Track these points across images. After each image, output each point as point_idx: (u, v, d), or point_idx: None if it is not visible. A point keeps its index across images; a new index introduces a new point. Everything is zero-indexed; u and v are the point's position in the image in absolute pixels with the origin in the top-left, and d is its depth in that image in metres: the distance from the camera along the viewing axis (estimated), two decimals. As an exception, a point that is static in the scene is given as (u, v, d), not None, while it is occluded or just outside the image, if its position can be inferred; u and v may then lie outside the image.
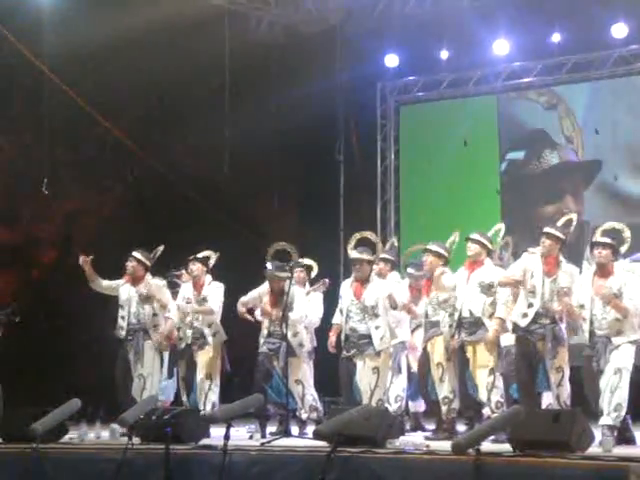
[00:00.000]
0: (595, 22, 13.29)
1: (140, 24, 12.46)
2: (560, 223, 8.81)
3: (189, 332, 9.62)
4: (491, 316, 8.76)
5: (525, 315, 8.44)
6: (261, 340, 9.52)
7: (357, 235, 9.59)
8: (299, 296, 9.53)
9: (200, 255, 9.80)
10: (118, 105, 13.52)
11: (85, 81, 13.11)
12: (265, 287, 9.61)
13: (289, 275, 9.34)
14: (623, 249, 8.27)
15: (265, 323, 9.54)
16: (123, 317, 9.77)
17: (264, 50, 14.30)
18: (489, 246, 8.91)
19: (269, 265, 9.50)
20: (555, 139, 14.27)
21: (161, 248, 9.92)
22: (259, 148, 14.16)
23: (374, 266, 9.50)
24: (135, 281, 9.82)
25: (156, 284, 9.83)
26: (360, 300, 9.20)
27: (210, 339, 9.59)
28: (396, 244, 11.33)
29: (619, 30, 13.27)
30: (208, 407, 9.40)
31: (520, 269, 8.54)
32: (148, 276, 9.85)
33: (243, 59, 13.66)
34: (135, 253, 9.87)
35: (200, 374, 9.57)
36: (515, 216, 14.06)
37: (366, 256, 9.31)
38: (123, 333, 9.75)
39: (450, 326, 8.99)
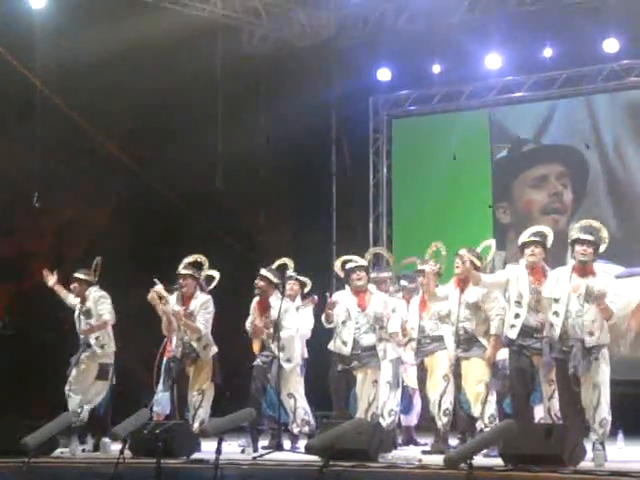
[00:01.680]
0: (586, 37, 13.33)
1: (132, 38, 12.46)
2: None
3: (179, 346, 9.59)
4: (485, 333, 8.75)
5: (513, 326, 8.43)
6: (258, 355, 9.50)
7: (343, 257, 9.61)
8: (290, 311, 9.51)
9: (203, 274, 9.77)
10: (110, 119, 13.51)
11: (77, 95, 13.09)
12: (254, 302, 9.59)
13: (280, 282, 9.33)
14: (601, 249, 8.22)
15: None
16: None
17: (256, 64, 14.31)
18: (477, 263, 8.88)
19: (262, 269, 9.50)
20: (547, 152, 14.32)
21: (99, 259, 9.97)
22: (251, 162, 14.17)
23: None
24: (81, 298, 9.93)
25: (100, 295, 9.88)
26: (366, 311, 9.22)
27: (201, 353, 9.55)
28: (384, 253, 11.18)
29: (610, 45, 13.31)
30: (196, 424, 9.28)
31: (504, 277, 8.55)
32: (92, 288, 9.92)
33: (235, 73, 13.68)
34: (76, 274, 9.95)
35: (192, 389, 9.52)
36: (507, 230, 14.10)
37: (363, 262, 9.45)
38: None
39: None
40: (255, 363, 9.47)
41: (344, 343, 9.28)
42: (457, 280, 8.93)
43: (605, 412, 7.85)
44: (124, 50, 12.51)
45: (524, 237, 8.57)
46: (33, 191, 12.59)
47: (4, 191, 13.51)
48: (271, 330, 9.29)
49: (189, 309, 9.58)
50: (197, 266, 9.80)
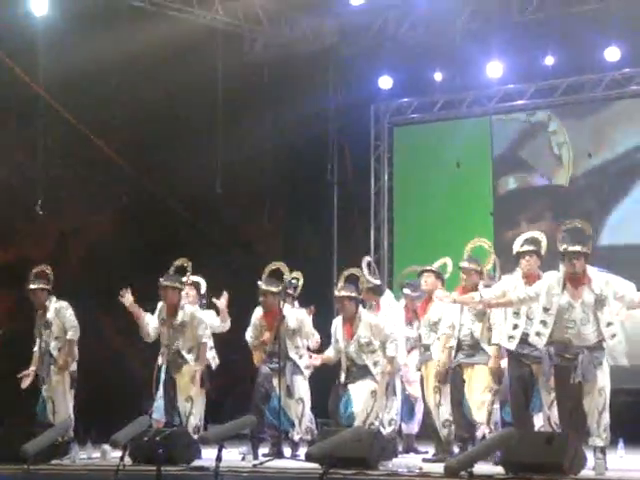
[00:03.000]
0: (588, 45, 13.35)
1: (134, 45, 12.48)
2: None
3: (164, 354, 9.54)
4: (489, 340, 8.74)
5: (511, 337, 8.41)
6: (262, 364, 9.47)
7: (345, 273, 9.53)
8: (306, 318, 9.51)
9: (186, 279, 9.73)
10: (112, 125, 13.53)
11: (79, 102, 13.10)
12: (257, 313, 9.58)
13: (280, 289, 9.33)
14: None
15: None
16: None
17: (258, 71, 14.32)
18: (480, 269, 8.89)
19: (260, 282, 9.49)
20: (545, 161, 14.33)
21: (42, 267, 9.95)
22: (252, 168, 14.18)
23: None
24: (41, 309, 9.96)
25: (61, 306, 9.93)
26: (353, 339, 9.19)
27: (192, 363, 9.47)
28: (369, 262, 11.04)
29: (612, 53, 13.33)
30: (190, 431, 9.16)
31: (500, 290, 8.54)
32: (52, 299, 9.94)
33: (237, 79, 13.69)
34: (32, 285, 9.94)
35: (180, 397, 9.45)
36: (508, 238, 14.08)
37: (347, 293, 9.24)
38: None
39: (443, 351, 8.99)
40: (261, 371, 9.44)
41: (342, 370, 9.27)
42: (462, 289, 8.91)
43: (608, 417, 7.86)
44: (126, 57, 12.53)
45: (518, 246, 8.55)
46: (35, 198, 12.61)
47: (6, 198, 13.52)
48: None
49: (177, 321, 9.50)
50: (183, 271, 9.75)
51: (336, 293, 9.33)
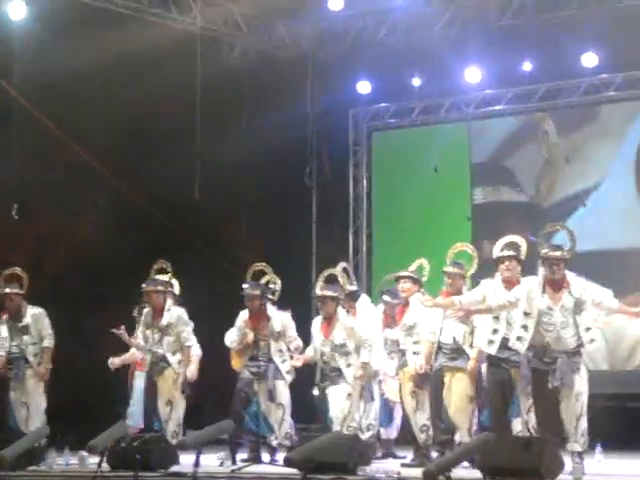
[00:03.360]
0: (566, 51, 13.40)
1: (111, 50, 12.44)
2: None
3: (148, 358, 9.53)
4: (471, 345, 8.75)
5: (491, 342, 8.43)
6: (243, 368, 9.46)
7: (324, 273, 9.52)
8: (291, 322, 9.51)
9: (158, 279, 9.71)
10: (89, 130, 13.47)
11: (56, 106, 13.04)
12: (243, 316, 9.56)
13: (263, 292, 9.35)
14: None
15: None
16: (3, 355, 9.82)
17: (236, 76, 14.30)
18: (464, 273, 8.90)
19: (245, 285, 9.49)
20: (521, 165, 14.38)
21: (14, 270, 9.90)
22: (231, 174, 14.15)
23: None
24: (15, 314, 9.84)
25: (39, 312, 9.87)
26: (329, 339, 9.18)
27: (175, 366, 9.47)
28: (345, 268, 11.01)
29: (589, 59, 13.39)
30: (168, 436, 9.15)
31: (480, 294, 8.54)
32: (26, 304, 9.89)
33: (215, 85, 13.66)
34: (7, 290, 9.84)
35: (160, 401, 9.42)
36: (486, 243, 14.11)
37: (329, 292, 9.24)
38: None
39: (415, 353, 8.99)
40: (242, 375, 9.42)
41: (317, 369, 9.30)
42: (446, 293, 8.89)
43: (585, 422, 7.87)
44: (103, 63, 12.50)
45: (497, 251, 8.57)
46: (11, 203, 12.53)
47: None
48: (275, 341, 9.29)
49: (162, 322, 9.48)
50: (163, 272, 9.73)
51: (318, 292, 9.30)
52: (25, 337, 9.78)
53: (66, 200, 13.70)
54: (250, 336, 9.39)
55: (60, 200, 13.67)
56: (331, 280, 9.48)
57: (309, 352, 9.51)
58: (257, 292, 9.42)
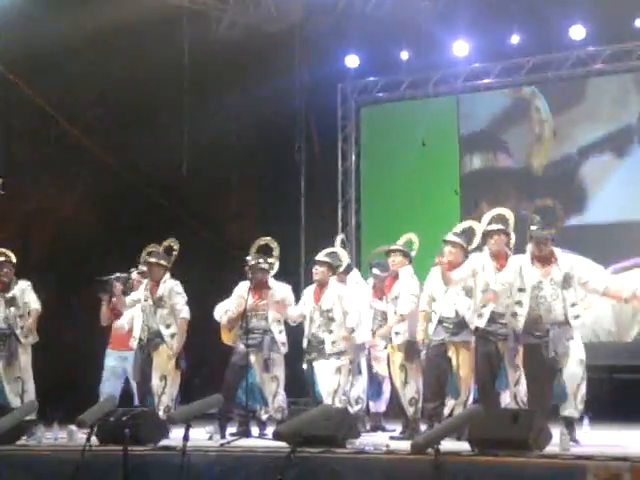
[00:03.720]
0: (553, 24, 13.40)
1: (99, 24, 12.37)
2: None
3: (144, 331, 9.52)
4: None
5: (480, 315, 8.45)
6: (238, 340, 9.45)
7: (326, 250, 9.66)
8: (291, 296, 9.56)
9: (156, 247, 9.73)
10: (77, 105, 13.43)
11: (43, 80, 12.99)
12: (243, 286, 9.54)
13: (270, 266, 9.47)
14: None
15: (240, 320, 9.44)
16: None
17: (224, 49, 14.23)
18: (465, 246, 8.89)
19: (250, 257, 9.52)
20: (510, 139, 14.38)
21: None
22: (219, 148, 14.11)
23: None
24: (3, 286, 9.83)
25: (26, 285, 9.89)
26: (318, 304, 9.28)
27: (168, 339, 9.49)
28: (343, 240, 11.09)
29: (577, 32, 13.39)
30: (160, 411, 9.15)
31: (469, 269, 8.55)
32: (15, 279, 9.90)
33: (203, 59, 13.62)
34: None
35: (154, 376, 9.42)
36: (475, 216, 14.10)
37: (328, 259, 9.48)
38: None
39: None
40: (237, 349, 9.41)
41: (305, 337, 9.39)
42: (448, 265, 8.83)
43: (584, 390, 7.98)
44: (90, 36, 12.44)
45: (485, 224, 8.58)
46: (-2, 178, 12.50)
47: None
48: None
49: (157, 294, 9.51)
50: (168, 251, 9.74)
51: (318, 257, 9.50)
52: (13, 309, 9.75)
53: (53, 176, 13.67)
54: (241, 306, 9.39)
55: (48, 175, 13.64)
56: (330, 253, 9.70)
57: (298, 317, 9.52)
58: (265, 265, 9.49)
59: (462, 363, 8.70)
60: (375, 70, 15.10)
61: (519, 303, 8.12)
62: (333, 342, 9.22)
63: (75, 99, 13.27)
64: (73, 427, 8.34)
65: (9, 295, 9.80)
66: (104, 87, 13.05)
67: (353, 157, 15.43)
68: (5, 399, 9.54)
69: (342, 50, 14.77)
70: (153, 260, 9.58)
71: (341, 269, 9.83)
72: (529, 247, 8.24)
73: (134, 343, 9.55)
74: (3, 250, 10.01)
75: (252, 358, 9.34)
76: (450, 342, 8.75)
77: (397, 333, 9.22)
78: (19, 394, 9.58)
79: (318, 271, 9.43)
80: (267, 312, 9.47)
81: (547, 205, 8.52)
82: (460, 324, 8.73)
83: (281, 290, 9.58)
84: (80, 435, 8.23)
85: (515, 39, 13.79)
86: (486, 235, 8.57)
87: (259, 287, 9.47)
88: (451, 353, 8.76)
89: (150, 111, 13.69)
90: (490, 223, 8.62)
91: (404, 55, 14.55)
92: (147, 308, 9.51)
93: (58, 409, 9.84)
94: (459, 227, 9.17)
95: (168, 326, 9.47)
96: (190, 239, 13.60)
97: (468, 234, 9.05)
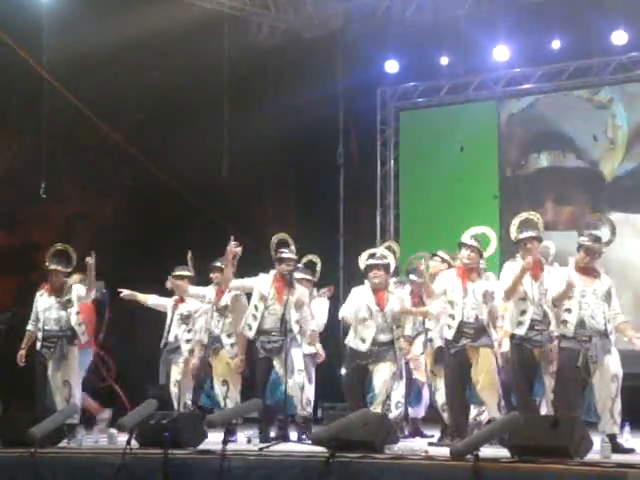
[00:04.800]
0: (595, 29, 13.31)
1: (140, 29, 12.46)
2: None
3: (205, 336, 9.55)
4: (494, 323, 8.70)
5: (520, 323, 8.37)
6: (257, 343, 9.35)
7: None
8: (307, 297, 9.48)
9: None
10: (118, 109, 13.52)
11: (84, 85, 13.10)
12: (265, 278, 9.44)
13: (296, 260, 9.39)
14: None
15: (255, 320, 9.32)
16: (40, 329, 9.72)
17: (264, 55, 14.30)
18: (480, 249, 8.81)
19: (284, 250, 9.46)
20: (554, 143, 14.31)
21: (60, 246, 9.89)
22: (258, 153, 14.16)
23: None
24: (55, 290, 9.79)
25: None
26: (385, 310, 9.16)
27: (228, 347, 9.49)
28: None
29: (619, 37, 13.30)
30: None
31: (509, 277, 8.48)
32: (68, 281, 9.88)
33: (243, 64, 13.68)
34: (53, 266, 9.78)
35: (217, 380, 9.50)
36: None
37: (385, 262, 9.32)
38: (39, 345, 9.70)
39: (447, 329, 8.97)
40: (260, 354, 9.37)
41: (362, 340, 9.17)
42: (462, 270, 8.82)
43: (620, 404, 7.96)
44: (131, 42, 12.52)
45: (516, 232, 8.45)
46: (40, 182, 12.59)
47: (10, 182, 13.52)
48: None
49: (221, 303, 9.55)
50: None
51: (374, 261, 9.28)
52: (68, 311, 9.76)
53: (95, 179, 13.78)
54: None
55: (89, 179, 13.75)
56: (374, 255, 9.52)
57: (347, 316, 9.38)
58: (295, 257, 9.40)
59: (481, 368, 8.63)
60: (415, 75, 15.09)
61: (568, 310, 8.13)
62: (400, 348, 9.18)
63: (116, 104, 13.36)
64: (113, 430, 8.39)
65: (66, 298, 9.82)
66: (145, 92, 13.12)
67: (392, 162, 15.42)
68: (53, 403, 9.52)
69: (382, 55, 14.77)
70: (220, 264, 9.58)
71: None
72: (576, 255, 8.25)
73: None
74: (60, 248, 9.98)
75: (275, 362, 9.23)
76: (471, 348, 8.68)
77: (431, 339, 9.21)
78: (66, 398, 9.54)
79: (378, 274, 9.22)
80: (288, 314, 9.22)
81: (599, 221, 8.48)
82: (480, 329, 8.66)
83: (302, 292, 9.38)
84: (120, 438, 8.28)
85: (556, 44, 13.72)
86: (519, 243, 8.48)
87: (284, 284, 9.29)
88: (472, 360, 8.68)
89: (190, 116, 13.76)
90: (522, 232, 8.52)
91: (444, 60, 14.53)
92: (210, 315, 9.53)
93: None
94: (472, 231, 8.91)
95: (229, 335, 9.52)
96: (227, 243, 13.68)
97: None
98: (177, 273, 9.97)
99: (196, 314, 9.84)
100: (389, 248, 10.08)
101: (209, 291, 9.72)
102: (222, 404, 9.37)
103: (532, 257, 8.29)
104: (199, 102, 13.77)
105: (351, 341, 9.32)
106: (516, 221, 8.54)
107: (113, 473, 7.01)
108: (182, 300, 9.99)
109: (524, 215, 8.60)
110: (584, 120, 14.11)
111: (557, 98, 14.39)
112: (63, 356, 9.62)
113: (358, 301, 9.27)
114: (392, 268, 9.56)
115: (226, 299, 9.54)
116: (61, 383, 9.60)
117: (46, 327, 9.69)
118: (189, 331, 9.86)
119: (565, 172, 14.30)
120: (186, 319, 9.93)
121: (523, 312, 8.35)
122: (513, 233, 8.50)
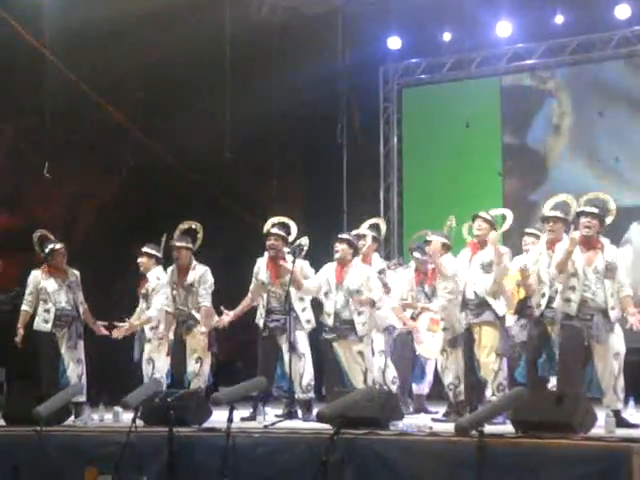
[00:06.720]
0: (598, 3, 13.27)
1: (141, 7, 12.41)
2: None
3: (176, 317, 9.52)
4: (496, 294, 8.68)
5: (568, 300, 8.14)
6: (260, 321, 9.32)
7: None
8: (308, 268, 9.35)
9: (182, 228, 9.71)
10: (119, 88, 13.49)
11: (86, 64, 13.07)
12: (261, 262, 9.40)
13: (286, 234, 9.26)
14: (608, 220, 8.14)
15: (262, 300, 9.32)
16: (48, 310, 9.72)
17: (266, 32, 14.24)
18: (495, 225, 8.83)
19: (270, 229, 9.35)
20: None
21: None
22: (261, 131, 14.13)
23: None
24: (56, 271, 9.80)
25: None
26: (342, 284, 9.02)
27: (201, 322, 9.44)
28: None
29: (622, 11, 13.25)
30: None
31: (534, 257, 8.47)
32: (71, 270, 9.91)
33: (245, 41, 13.62)
34: (59, 245, 9.83)
35: (190, 358, 9.46)
36: (517, 198, 14.06)
37: (345, 236, 9.25)
38: (49, 326, 9.70)
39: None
40: (263, 333, 9.33)
41: (327, 315, 9.06)
42: (473, 243, 8.81)
43: (622, 381, 7.91)
44: (133, 20, 12.47)
45: (547, 210, 8.44)
46: (43, 161, 12.58)
47: (14, 162, 13.51)
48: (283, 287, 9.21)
49: (187, 281, 9.50)
50: (192, 234, 9.71)
51: (357, 231, 9.39)
52: (75, 295, 9.81)
53: (97, 158, 13.76)
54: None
55: (91, 158, 13.73)
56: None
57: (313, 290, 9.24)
58: (282, 233, 9.25)
59: (485, 344, 8.64)
60: (417, 52, 15.04)
61: (572, 288, 8.01)
62: (363, 324, 8.98)
63: (118, 82, 13.33)
64: (118, 408, 8.40)
65: (73, 279, 9.84)
66: (146, 70, 13.08)
67: (395, 139, 15.39)
68: (67, 380, 9.59)
69: (384, 32, 14.70)
70: (181, 244, 9.48)
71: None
72: (571, 232, 8.07)
73: None
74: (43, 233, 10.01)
75: (279, 340, 9.17)
76: (474, 324, 8.69)
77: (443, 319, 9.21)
78: (79, 376, 9.67)
79: (339, 248, 9.03)
80: (287, 291, 9.10)
81: (598, 197, 8.33)
82: (481, 305, 8.66)
83: (299, 266, 9.11)
84: (125, 416, 8.30)
85: (559, 19, 13.67)
86: (543, 220, 8.44)
87: (277, 263, 9.20)
88: (476, 335, 8.71)
89: (192, 94, 13.72)
90: (550, 210, 8.43)
91: (446, 36, 14.48)
92: (177, 294, 9.49)
93: (103, 391, 9.94)
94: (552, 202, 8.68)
95: (199, 310, 9.48)
96: (231, 221, 13.70)
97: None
98: (144, 250, 9.97)
99: (153, 292, 9.83)
100: (374, 225, 10.05)
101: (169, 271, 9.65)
102: (192, 381, 9.33)
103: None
104: (200, 80, 13.73)
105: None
106: (550, 201, 8.47)
107: (118, 451, 7.02)
108: (146, 279, 9.95)
109: (562, 196, 8.52)
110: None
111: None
112: (79, 335, 9.73)
113: (327, 274, 9.13)
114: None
115: (192, 276, 9.47)
116: (76, 361, 9.70)
117: (58, 307, 9.71)
118: (148, 308, 9.86)
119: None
120: (145, 297, 9.92)
121: (543, 295, 8.32)
122: (543, 210, 8.47)
